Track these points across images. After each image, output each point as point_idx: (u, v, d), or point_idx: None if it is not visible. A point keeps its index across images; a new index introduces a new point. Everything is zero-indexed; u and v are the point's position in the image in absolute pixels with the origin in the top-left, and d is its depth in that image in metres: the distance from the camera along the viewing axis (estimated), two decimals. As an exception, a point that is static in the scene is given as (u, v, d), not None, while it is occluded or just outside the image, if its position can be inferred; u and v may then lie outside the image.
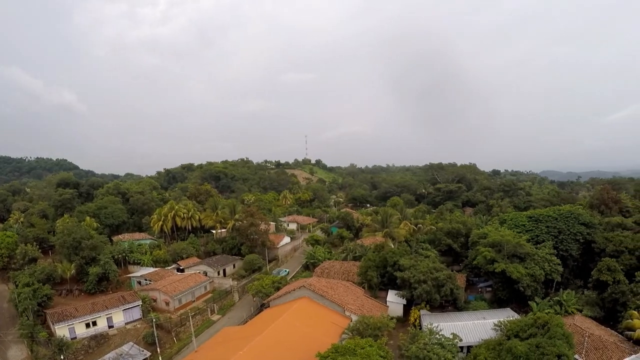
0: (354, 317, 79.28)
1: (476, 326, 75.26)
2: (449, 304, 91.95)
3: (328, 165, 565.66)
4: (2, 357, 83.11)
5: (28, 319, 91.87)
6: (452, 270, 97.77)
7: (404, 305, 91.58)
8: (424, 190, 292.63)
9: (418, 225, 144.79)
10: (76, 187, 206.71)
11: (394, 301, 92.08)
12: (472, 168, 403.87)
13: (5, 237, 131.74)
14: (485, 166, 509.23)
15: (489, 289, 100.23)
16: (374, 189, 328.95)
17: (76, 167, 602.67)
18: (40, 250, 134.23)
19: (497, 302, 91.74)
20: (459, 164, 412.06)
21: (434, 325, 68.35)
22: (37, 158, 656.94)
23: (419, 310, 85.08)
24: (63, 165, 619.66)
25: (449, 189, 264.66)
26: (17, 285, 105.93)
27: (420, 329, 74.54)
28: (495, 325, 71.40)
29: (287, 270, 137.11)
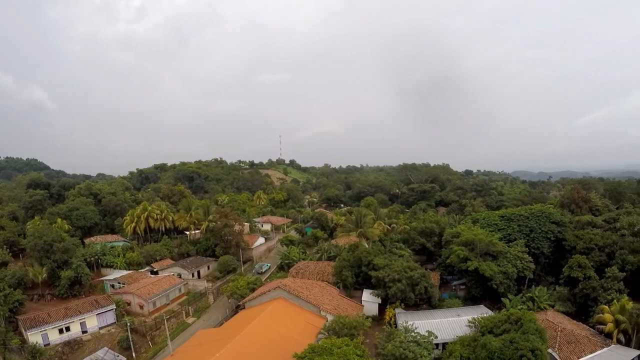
0: (330, 317, 79.43)
1: (451, 323, 76.24)
2: (424, 302, 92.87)
3: (302, 166, 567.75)
4: None
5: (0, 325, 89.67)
6: (426, 269, 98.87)
7: (379, 304, 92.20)
8: (397, 191, 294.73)
9: (392, 225, 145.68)
10: (47, 188, 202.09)
11: (369, 300, 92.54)
12: (445, 168, 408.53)
13: None
14: (458, 166, 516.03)
15: (463, 286, 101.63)
16: (348, 189, 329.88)
17: (47, 167, 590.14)
18: (10, 254, 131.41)
19: (471, 300, 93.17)
20: (432, 165, 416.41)
21: (409, 323, 69.16)
22: (7, 158, 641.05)
23: (394, 309, 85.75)
24: (33, 165, 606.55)
25: (423, 189, 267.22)
26: None
27: (396, 327, 75.22)
28: (469, 322, 72.67)
29: (269, 264, 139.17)
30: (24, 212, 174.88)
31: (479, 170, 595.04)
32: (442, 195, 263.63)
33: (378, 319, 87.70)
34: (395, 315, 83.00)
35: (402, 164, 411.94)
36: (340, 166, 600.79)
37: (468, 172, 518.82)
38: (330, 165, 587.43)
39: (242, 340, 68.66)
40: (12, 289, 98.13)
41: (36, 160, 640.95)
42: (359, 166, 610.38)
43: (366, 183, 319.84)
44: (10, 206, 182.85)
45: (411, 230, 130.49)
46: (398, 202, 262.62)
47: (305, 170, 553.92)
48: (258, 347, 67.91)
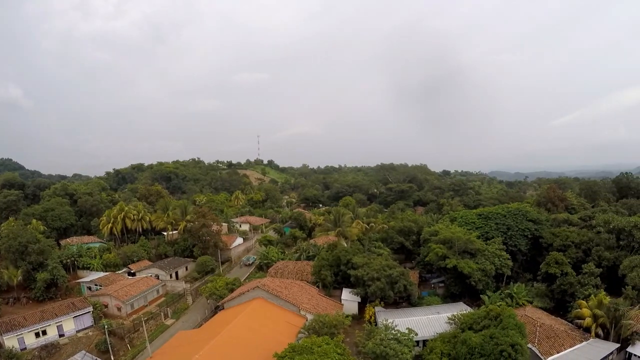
0: (310, 316, 79.14)
1: (431, 321, 76.63)
2: (403, 300, 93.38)
3: (280, 166, 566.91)
4: None
5: None
6: (405, 268, 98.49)
7: (358, 302, 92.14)
8: (375, 190, 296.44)
9: (370, 224, 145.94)
10: (22, 188, 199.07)
11: (349, 299, 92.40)
12: (422, 168, 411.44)
13: None
14: (436, 167, 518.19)
15: (442, 284, 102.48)
16: (326, 189, 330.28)
17: (22, 167, 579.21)
18: None
19: (450, 297, 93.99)
20: (410, 165, 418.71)
21: (389, 321, 69.20)
22: None
23: (373, 307, 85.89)
24: (8, 165, 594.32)
25: (401, 189, 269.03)
26: None
27: (376, 325, 75.29)
28: (449, 319, 73.06)
29: (255, 257, 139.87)
30: None
31: (456, 171, 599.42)
32: (420, 195, 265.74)
33: (358, 318, 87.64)
34: (375, 314, 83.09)
35: (380, 164, 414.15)
36: (319, 166, 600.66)
37: (445, 172, 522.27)
38: (308, 166, 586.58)
39: (221, 340, 68.07)
40: None
41: (11, 160, 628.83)
42: (337, 166, 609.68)
43: (344, 183, 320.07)
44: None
45: (390, 229, 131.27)
46: (376, 202, 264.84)
47: (283, 170, 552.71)
48: (238, 347, 67.45)
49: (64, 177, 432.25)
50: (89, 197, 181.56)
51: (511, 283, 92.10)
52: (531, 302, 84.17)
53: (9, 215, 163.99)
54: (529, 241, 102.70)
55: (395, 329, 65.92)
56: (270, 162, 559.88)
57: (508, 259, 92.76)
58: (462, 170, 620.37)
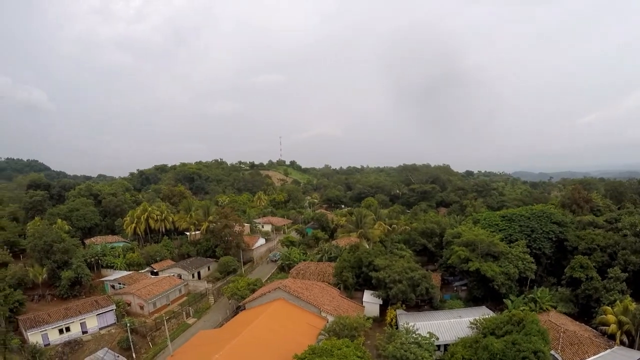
0: (330, 318, 78.97)
1: (452, 325, 75.85)
2: (425, 303, 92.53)
3: (302, 167, 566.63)
4: None
5: (0, 325, 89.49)
6: (427, 270, 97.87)
7: (380, 305, 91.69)
8: (398, 191, 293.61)
9: (392, 226, 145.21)
10: (47, 189, 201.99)
11: (370, 301, 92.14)
12: (445, 169, 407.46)
13: None
14: (459, 167, 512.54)
15: (464, 287, 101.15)
16: (349, 190, 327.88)
17: (47, 168, 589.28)
18: (10, 255, 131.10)
19: (472, 301, 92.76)
20: (432, 165, 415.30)
21: (410, 324, 68.58)
22: (7, 159, 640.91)
23: (395, 310, 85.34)
24: (34, 166, 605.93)
25: (423, 190, 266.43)
26: None
27: (397, 328, 74.52)
28: (471, 323, 72.10)
29: (280, 253, 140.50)
30: (25, 212, 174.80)
31: (479, 171, 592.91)
32: (443, 196, 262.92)
33: (379, 320, 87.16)
34: (396, 317, 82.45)
35: (402, 164, 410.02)
36: (341, 167, 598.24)
37: (469, 173, 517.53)
38: (330, 166, 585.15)
39: (242, 340, 68.34)
40: (12, 289, 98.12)
41: (37, 161, 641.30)
42: (359, 167, 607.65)
43: (367, 184, 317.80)
44: (10, 207, 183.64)
45: (412, 230, 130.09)
46: (399, 203, 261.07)
47: (305, 171, 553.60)
48: (258, 348, 67.60)
49: (88, 178, 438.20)
50: (113, 197, 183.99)
51: (535, 287, 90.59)
52: (555, 307, 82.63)
53: (35, 214, 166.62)
54: (553, 244, 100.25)
55: (417, 332, 65.46)
56: (293, 163, 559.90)
57: (532, 262, 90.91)
58: (485, 171, 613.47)
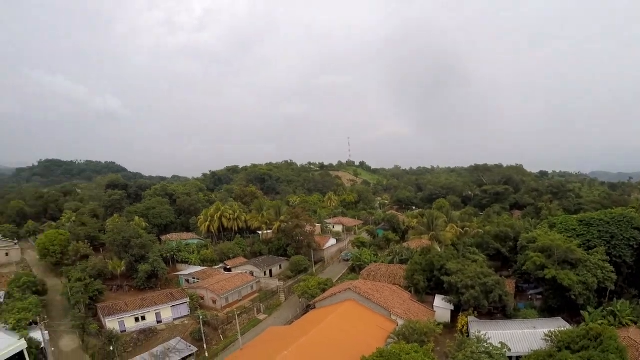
0: (400, 322, 78.79)
1: (525, 335, 73.23)
2: (498, 311, 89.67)
3: (372, 167, 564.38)
4: (55, 346, 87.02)
5: (80, 311, 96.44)
6: (500, 276, 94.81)
7: (451, 310, 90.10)
8: (470, 192, 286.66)
9: (465, 229, 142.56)
10: (125, 189, 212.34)
11: (441, 306, 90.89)
12: (518, 169, 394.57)
13: (58, 235, 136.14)
14: (532, 167, 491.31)
15: (539, 296, 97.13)
16: (419, 191, 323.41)
17: (124, 170, 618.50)
18: (91, 248, 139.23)
19: (547, 311, 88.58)
20: (504, 165, 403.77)
21: (482, 333, 66.80)
22: (87, 161, 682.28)
23: (466, 317, 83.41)
24: (112, 167, 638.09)
25: (496, 191, 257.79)
26: (69, 280, 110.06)
27: (468, 336, 73.45)
28: (545, 335, 69.18)
29: (351, 253, 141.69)
30: (104, 210, 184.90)
31: (554, 171, 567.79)
32: (517, 198, 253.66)
33: (450, 327, 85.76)
34: (467, 324, 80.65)
35: (473, 164, 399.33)
36: (411, 167, 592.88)
37: (543, 173, 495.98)
38: (400, 167, 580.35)
39: (310, 339, 69.75)
40: (92, 279, 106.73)
41: (114, 163, 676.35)
42: (429, 167, 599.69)
43: (437, 185, 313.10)
44: (90, 205, 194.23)
45: (485, 234, 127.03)
46: (471, 205, 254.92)
47: (375, 171, 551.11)
48: (326, 348, 68.57)
49: (163, 179, 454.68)
50: (187, 197, 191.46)
51: (615, 299, 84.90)
52: (636, 323, 77.84)
53: (114, 212, 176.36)
54: (634, 252, 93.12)
55: (488, 342, 63.81)
56: (362, 164, 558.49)
57: (612, 271, 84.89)
58: (560, 171, 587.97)
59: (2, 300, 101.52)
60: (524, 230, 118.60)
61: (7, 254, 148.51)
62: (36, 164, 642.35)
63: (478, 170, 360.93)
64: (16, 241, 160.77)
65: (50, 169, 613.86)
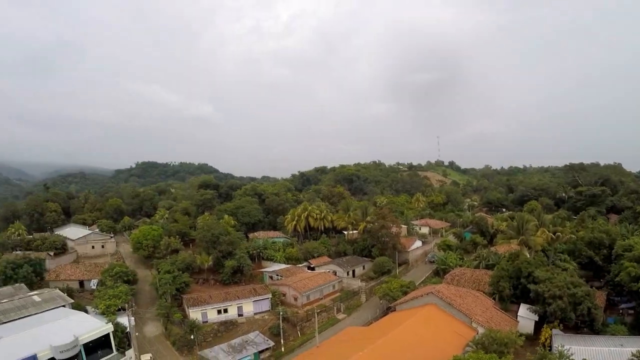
0: (481, 330, 77.21)
1: (611, 354, 68.01)
2: (585, 325, 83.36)
3: (461, 167, 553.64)
4: (139, 331, 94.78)
5: (166, 301, 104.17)
6: (591, 287, 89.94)
7: (535, 321, 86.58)
8: (563, 194, 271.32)
9: (556, 234, 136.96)
10: (216, 189, 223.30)
11: (525, 316, 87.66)
12: (617, 168, 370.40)
13: (151, 231, 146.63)
14: (632, 165, 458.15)
15: (631, 311, 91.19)
16: (510, 192, 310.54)
17: (216, 171, 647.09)
18: (181, 243, 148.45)
19: (639, 328, 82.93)
20: (602, 164, 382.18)
21: (565, 347, 63.65)
22: (181, 163, 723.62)
23: (551, 329, 79.63)
24: (204, 168, 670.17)
25: (592, 193, 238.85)
26: (159, 272, 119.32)
27: (550, 350, 70.33)
28: (632, 355, 63.83)
29: (437, 255, 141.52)
30: (195, 208, 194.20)
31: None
32: (614, 200, 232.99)
33: (532, 338, 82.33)
34: (551, 337, 76.78)
35: (568, 164, 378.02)
36: (502, 167, 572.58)
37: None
38: (490, 167, 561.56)
39: (387, 342, 70.17)
40: (180, 272, 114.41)
41: (207, 164, 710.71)
42: (521, 167, 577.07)
43: (529, 185, 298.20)
44: (183, 203, 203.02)
45: (577, 240, 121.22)
46: (564, 208, 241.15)
47: (464, 171, 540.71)
48: (402, 351, 68.69)
49: (253, 179, 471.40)
50: (275, 197, 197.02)
51: None
52: None
53: (205, 210, 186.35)
54: None
55: (571, 357, 61.15)
56: (451, 164, 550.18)
57: None
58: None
59: (95, 287, 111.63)
60: (620, 237, 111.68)
61: (102, 246, 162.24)
62: (134, 166, 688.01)
63: (573, 169, 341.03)
64: (112, 235, 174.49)
65: (147, 170, 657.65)
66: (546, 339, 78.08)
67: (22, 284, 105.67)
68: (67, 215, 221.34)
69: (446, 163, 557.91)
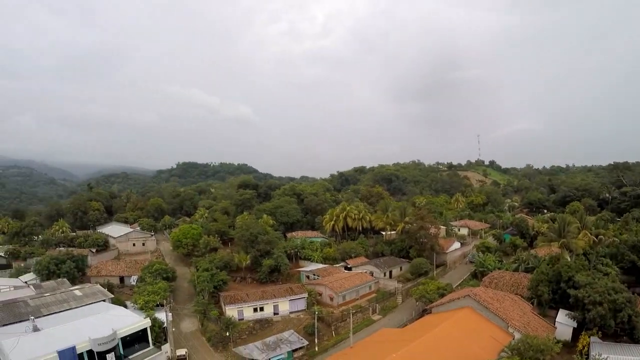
0: (517, 335, 76.24)
1: None
2: (625, 333, 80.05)
3: (502, 167, 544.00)
4: (176, 327, 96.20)
5: (203, 298, 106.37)
6: (633, 293, 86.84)
7: (573, 328, 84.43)
8: (607, 195, 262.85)
9: (599, 236, 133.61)
10: (255, 188, 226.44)
11: (564, 322, 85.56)
12: None
13: (191, 229, 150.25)
14: None
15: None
16: (552, 193, 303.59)
17: (255, 171, 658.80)
18: (220, 242, 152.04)
19: None
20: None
21: (602, 356, 62.33)
22: (221, 163, 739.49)
23: (589, 337, 77.42)
24: (244, 169, 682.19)
25: (637, 194, 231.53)
26: (197, 270, 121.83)
27: (587, 358, 68.84)
28: (672, 366, 62.48)
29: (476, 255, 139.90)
30: (235, 208, 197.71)
31: None
32: None
33: (570, 346, 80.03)
34: (589, 344, 74.72)
35: (612, 163, 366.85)
36: (544, 166, 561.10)
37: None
38: (532, 166, 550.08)
39: (421, 344, 69.96)
40: (218, 270, 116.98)
41: (246, 165, 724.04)
42: (564, 166, 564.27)
43: (572, 186, 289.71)
44: (223, 203, 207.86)
45: (620, 243, 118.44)
46: (608, 209, 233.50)
47: (505, 171, 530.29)
48: (436, 354, 68.51)
49: (292, 179, 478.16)
50: (314, 197, 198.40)
51: None
52: None
53: (244, 210, 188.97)
54: None
55: (608, 366, 59.77)
56: (492, 163, 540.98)
57: None
58: None
59: (134, 283, 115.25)
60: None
61: (143, 244, 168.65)
62: (174, 166, 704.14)
63: (617, 168, 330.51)
64: (152, 233, 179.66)
65: (187, 170, 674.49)
66: (584, 347, 75.61)
67: (65, 279, 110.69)
68: (110, 214, 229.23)
69: (487, 162, 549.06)
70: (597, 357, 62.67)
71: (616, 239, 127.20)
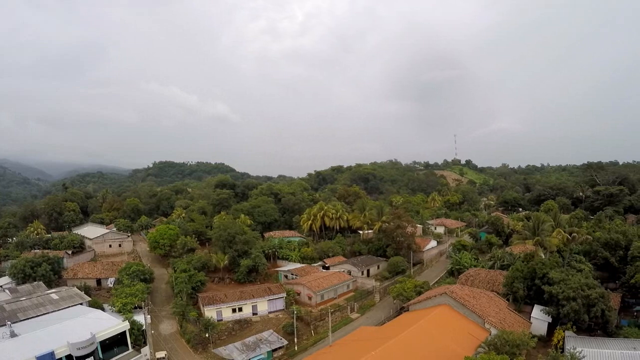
0: (494, 331, 77.07)
1: (624, 357, 66.89)
2: (598, 328, 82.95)
3: (478, 166, 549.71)
4: (155, 329, 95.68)
5: (182, 299, 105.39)
6: (606, 288, 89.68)
7: (548, 323, 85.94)
8: (581, 194, 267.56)
9: (572, 234, 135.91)
10: (232, 188, 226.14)
11: (539, 318, 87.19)
12: (636, 167, 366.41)
13: (168, 230, 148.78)
14: None
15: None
16: (527, 192, 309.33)
17: (233, 170, 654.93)
18: (198, 242, 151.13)
19: None
20: (620, 163, 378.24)
21: (577, 350, 63.34)
22: (198, 162, 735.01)
23: (563, 331, 78.82)
24: (221, 168, 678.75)
25: (609, 192, 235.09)
26: (175, 271, 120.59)
27: (562, 352, 69.82)
28: (645, 358, 63.89)
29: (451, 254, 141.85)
30: (212, 207, 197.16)
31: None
32: (632, 200, 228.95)
33: (545, 340, 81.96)
34: (564, 339, 76.20)
35: (586, 162, 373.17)
36: (520, 166, 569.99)
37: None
38: (508, 165, 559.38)
39: (399, 342, 70.38)
40: (196, 271, 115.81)
41: (223, 164, 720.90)
42: (539, 165, 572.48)
43: (547, 185, 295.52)
44: (200, 203, 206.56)
45: (593, 241, 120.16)
46: (581, 207, 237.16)
47: (481, 170, 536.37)
48: (414, 351, 68.96)
49: (269, 178, 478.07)
50: (291, 196, 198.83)
51: None
52: None
53: (221, 209, 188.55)
54: None
55: (582, 360, 61.13)
56: (468, 162, 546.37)
57: None
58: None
59: (112, 286, 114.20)
60: (636, 238, 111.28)
61: (120, 245, 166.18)
62: (151, 165, 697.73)
63: (591, 168, 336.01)
64: (129, 234, 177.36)
65: (164, 169, 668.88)
66: (559, 341, 77.31)
67: (41, 282, 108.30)
68: (85, 215, 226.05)
69: (463, 162, 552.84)
70: (571, 350, 63.77)
71: (589, 237, 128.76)
